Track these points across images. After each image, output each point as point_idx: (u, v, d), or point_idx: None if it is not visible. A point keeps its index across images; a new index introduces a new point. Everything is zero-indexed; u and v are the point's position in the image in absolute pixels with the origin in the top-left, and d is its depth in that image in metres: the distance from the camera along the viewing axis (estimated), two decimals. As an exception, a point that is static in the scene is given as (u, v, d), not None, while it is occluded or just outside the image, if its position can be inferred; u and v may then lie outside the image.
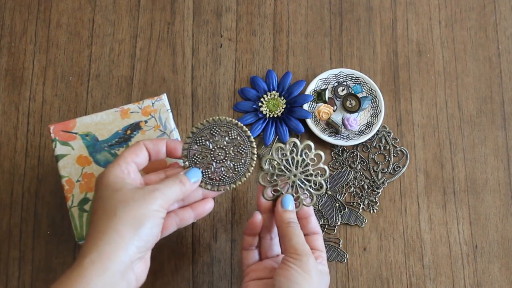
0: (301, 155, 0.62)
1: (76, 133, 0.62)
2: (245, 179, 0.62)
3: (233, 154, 0.62)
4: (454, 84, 0.80)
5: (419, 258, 0.73)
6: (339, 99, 0.77)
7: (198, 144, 0.61)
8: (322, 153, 0.62)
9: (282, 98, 0.77)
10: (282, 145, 0.62)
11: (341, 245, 0.73)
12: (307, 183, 0.61)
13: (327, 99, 0.77)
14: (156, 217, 0.55)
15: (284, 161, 0.61)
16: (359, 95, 0.77)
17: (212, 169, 0.62)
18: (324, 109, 0.76)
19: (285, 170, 0.61)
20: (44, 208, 0.73)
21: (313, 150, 0.62)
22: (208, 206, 0.62)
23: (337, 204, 0.75)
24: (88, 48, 0.79)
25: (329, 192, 0.75)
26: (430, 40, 0.81)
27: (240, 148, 0.62)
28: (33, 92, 0.77)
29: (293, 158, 0.62)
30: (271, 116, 0.77)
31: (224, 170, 0.62)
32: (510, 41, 0.81)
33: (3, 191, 0.73)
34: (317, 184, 0.62)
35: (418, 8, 0.82)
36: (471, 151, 0.77)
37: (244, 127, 0.62)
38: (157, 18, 0.80)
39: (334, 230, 0.74)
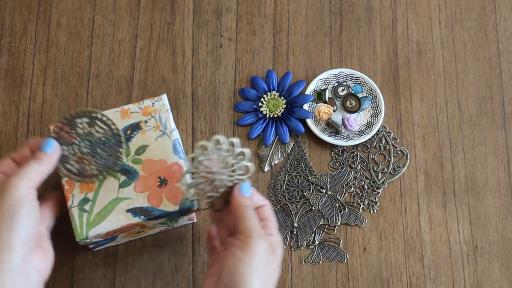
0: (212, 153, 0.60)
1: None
2: (118, 167, 0.62)
3: (101, 142, 0.62)
4: (454, 84, 0.80)
5: (419, 258, 0.73)
6: (339, 99, 0.78)
7: (62, 144, 0.62)
8: (235, 140, 0.60)
9: (282, 98, 0.77)
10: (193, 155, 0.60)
11: (341, 245, 0.73)
12: (233, 174, 0.60)
13: (327, 99, 0.77)
14: (27, 202, 0.54)
15: (200, 169, 0.60)
16: (359, 95, 0.77)
17: (87, 163, 0.62)
18: (324, 109, 0.76)
19: (207, 176, 0.60)
20: (44, 208, 0.73)
21: (222, 140, 0.60)
22: None
23: (337, 204, 0.75)
24: (88, 48, 0.79)
25: (329, 192, 0.75)
26: (430, 40, 0.81)
27: (106, 136, 0.63)
28: (33, 92, 0.77)
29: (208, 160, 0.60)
30: (271, 116, 0.77)
31: (97, 161, 0.62)
32: (510, 41, 0.81)
33: (3, 191, 0.73)
34: (242, 168, 0.60)
35: (418, 8, 0.82)
36: (471, 151, 0.77)
37: (100, 113, 0.63)
38: (157, 18, 0.80)
39: (334, 230, 0.74)
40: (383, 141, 0.77)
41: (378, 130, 0.77)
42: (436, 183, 0.76)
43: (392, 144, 0.77)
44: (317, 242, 0.73)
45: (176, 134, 0.65)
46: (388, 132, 0.77)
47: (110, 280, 0.71)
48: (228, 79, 0.78)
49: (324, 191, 0.75)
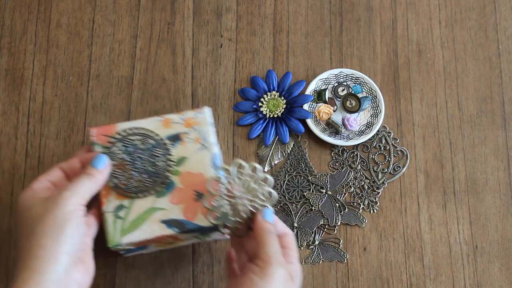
0: (237, 178, 0.61)
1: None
2: (164, 184, 0.62)
3: (152, 160, 0.63)
4: (454, 84, 0.80)
5: (419, 258, 0.73)
6: (339, 99, 0.78)
7: (113, 158, 0.62)
8: (257, 165, 0.60)
9: (282, 98, 0.77)
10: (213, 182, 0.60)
11: (341, 245, 0.73)
12: (255, 199, 0.60)
13: (327, 99, 0.77)
14: (75, 217, 0.55)
15: (223, 193, 0.60)
16: (359, 95, 0.77)
17: (135, 179, 0.62)
18: (324, 109, 0.76)
19: (229, 200, 0.61)
20: (44, 208, 0.73)
21: (245, 165, 0.60)
22: None
23: (337, 204, 0.75)
24: (88, 48, 0.79)
25: (329, 192, 0.75)
26: (430, 40, 0.81)
27: (156, 153, 0.63)
28: (33, 92, 0.77)
29: (230, 185, 0.60)
30: (271, 116, 0.77)
31: (145, 177, 0.62)
32: (510, 41, 0.81)
33: (3, 191, 0.73)
34: (265, 195, 0.61)
35: (418, 8, 0.82)
36: (471, 151, 0.77)
37: (155, 133, 0.63)
38: (157, 18, 0.80)
39: (334, 230, 0.74)
40: (383, 141, 0.77)
41: (378, 130, 0.77)
42: (436, 183, 0.76)
43: (392, 144, 0.77)
44: (317, 242, 0.73)
45: (216, 149, 0.64)
46: (388, 132, 0.77)
47: (110, 280, 0.71)
48: (228, 79, 0.78)
49: (324, 191, 0.75)
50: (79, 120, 0.76)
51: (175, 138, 0.64)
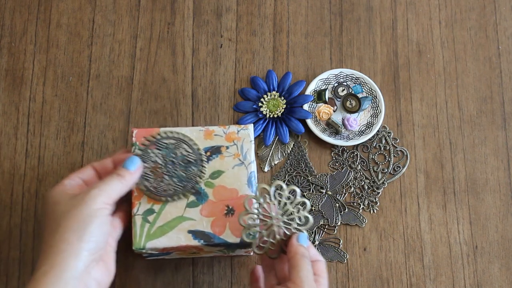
0: (274, 198, 0.61)
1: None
2: (194, 190, 0.63)
3: (183, 165, 0.63)
4: (454, 84, 0.80)
5: (419, 258, 0.73)
6: (339, 99, 0.78)
7: (146, 161, 0.63)
8: (297, 188, 0.61)
9: (282, 98, 0.77)
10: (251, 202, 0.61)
11: (341, 245, 0.73)
12: (291, 222, 0.61)
13: (327, 99, 0.77)
14: (100, 215, 0.55)
15: (259, 212, 0.61)
16: (359, 95, 0.77)
17: (165, 182, 0.62)
18: (324, 109, 0.76)
19: (265, 220, 0.61)
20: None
21: (284, 188, 0.61)
22: None
23: (337, 204, 0.75)
24: (88, 48, 0.79)
25: (329, 192, 0.75)
26: (430, 40, 0.81)
27: (189, 159, 0.63)
28: (33, 92, 0.77)
29: (268, 205, 0.61)
30: (271, 116, 0.77)
31: (175, 181, 0.62)
32: (510, 41, 0.81)
33: (3, 191, 0.73)
34: (302, 219, 0.61)
35: (418, 8, 0.82)
36: (471, 151, 0.77)
37: (188, 137, 0.63)
38: (157, 18, 0.80)
39: (334, 230, 0.74)
40: (383, 141, 0.77)
41: (378, 130, 0.77)
42: (436, 183, 0.76)
43: (392, 144, 0.77)
44: (317, 242, 0.73)
45: (253, 167, 0.65)
46: (388, 132, 0.77)
47: (110, 280, 0.71)
48: (228, 79, 0.78)
49: (324, 191, 0.75)
50: (79, 120, 0.76)
51: (215, 151, 0.65)
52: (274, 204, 0.61)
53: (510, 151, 0.78)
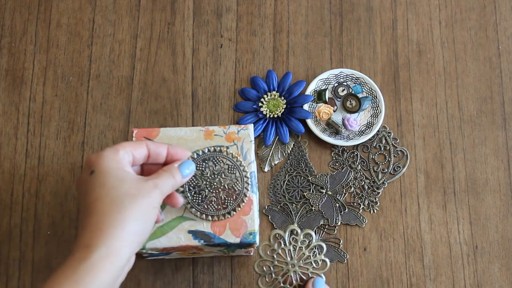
0: (289, 244, 0.61)
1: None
2: (229, 216, 0.62)
3: (227, 188, 0.63)
4: (454, 84, 0.80)
5: (419, 258, 0.73)
6: (339, 99, 0.78)
7: (198, 168, 0.62)
8: (311, 232, 0.61)
9: (282, 98, 0.77)
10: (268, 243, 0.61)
11: (341, 245, 0.73)
12: (308, 267, 0.61)
13: (327, 99, 0.77)
14: (154, 214, 0.54)
15: (275, 258, 0.61)
16: (359, 95, 0.77)
17: (203, 195, 0.62)
18: (324, 109, 0.76)
19: (280, 266, 0.61)
20: (44, 208, 0.73)
21: (300, 234, 0.61)
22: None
23: (337, 204, 0.75)
24: (88, 48, 0.79)
25: (329, 192, 0.75)
26: (430, 40, 0.81)
27: (235, 184, 0.63)
28: (33, 92, 0.77)
29: (283, 251, 0.61)
30: (271, 116, 0.77)
31: (214, 199, 0.62)
32: (510, 41, 0.81)
33: (3, 191, 0.73)
34: (318, 263, 0.61)
35: (418, 8, 0.82)
36: (471, 151, 0.77)
37: (246, 168, 0.63)
38: (157, 18, 0.80)
39: (334, 230, 0.74)
40: (383, 141, 0.77)
41: (378, 130, 0.77)
42: (436, 183, 0.76)
43: (392, 144, 0.77)
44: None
45: (253, 167, 0.64)
46: (388, 132, 0.77)
47: (110, 280, 0.71)
48: (228, 79, 0.78)
49: (324, 191, 0.75)
50: (79, 120, 0.76)
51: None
52: (289, 250, 0.61)
53: (510, 151, 0.78)
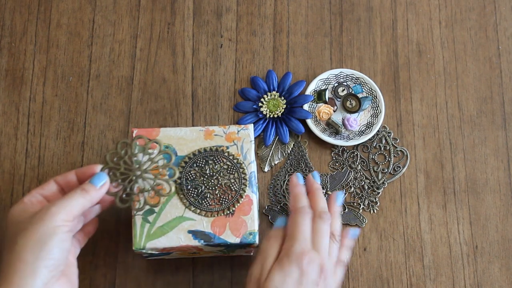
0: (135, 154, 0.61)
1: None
2: (223, 214, 0.63)
3: (223, 186, 0.63)
4: (454, 84, 0.80)
5: (419, 259, 0.73)
6: (339, 99, 0.78)
7: (197, 165, 0.63)
8: (159, 140, 0.61)
9: (282, 98, 0.77)
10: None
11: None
12: (156, 174, 0.60)
13: (327, 99, 0.77)
14: (60, 233, 0.54)
15: (122, 165, 0.60)
16: (359, 95, 0.77)
17: (199, 190, 0.63)
18: (324, 109, 0.76)
19: (127, 173, 0.61)
20: (44, 208, 0.73)
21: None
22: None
23: (337, 204, 0.74)
24: (88, 48, 0.79)
25: (329, 193, 0.75)
26: (430, 40, 0.81)
27: (232, 184, 0.63)
28: (33, 92, 0.77)
29: (128, 159, 0.60)
30: (271, 116, 0.77)
31: (209, 195, 0.62)
32: (510, 41, 0.81)
33: (3, 191, 0.73)
34: (167, 171, 0.61)
35: (418, 8, 0.82)
36: (471, 151, 0.77)
37: (245, 169, 0.64)
38: (157, 19, 0.80)
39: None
40: (383, 141, 0.77)
41: (378, 130, 0.77)
42: (436, 183, 0.76)
43: (392, 144, 0.77)
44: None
45: (253, 167, 0.65)
46: (388, 132, 0.77)
47: (110, 280, 0.71)
48: (228, 79, 0.78)
49: (324, 191, 0.75)
50: (79, 120, 0.76)
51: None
52: (135, 158, 0.60)
53: (510, 151, 0.78)
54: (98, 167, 0.61)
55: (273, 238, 0.61)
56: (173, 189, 0.62)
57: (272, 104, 0.77)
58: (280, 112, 0.77)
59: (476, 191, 0.76)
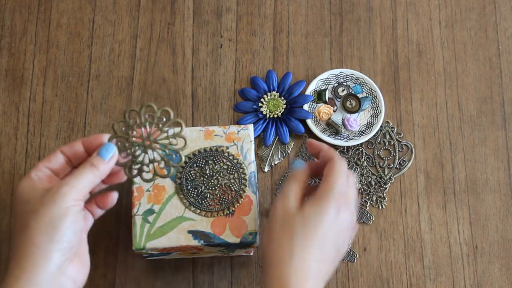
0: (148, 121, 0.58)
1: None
2: (222, 214, 0.63)
3: (223, 186, 0.63)
4: (454, 84, 0.80)
5: (419, 259, 0.73)
6: (339, 100, 0.78)
7: (197, 165, 0.63)
8: (169, 109, 0.58)
9: (282, 98, 0.77)
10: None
11: (350, 245, 0.73)
12: (165, 144, 0.58)
13: (327, 100, 0.77)
14: (71, 213, 0.53)
15: (131, 135, 0.58)
16: (359, 96, 0.77)
17: (199, 190, 0.63)
18: (324, 110, 0.76)
19: (136, 143, 0.58)
20: (44, 208, 0.72)
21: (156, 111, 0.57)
22: (111, 199, 0.60)
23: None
24: (88, 48, 0.79)
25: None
26: (430, 41, 0.81)
27: (232, 184, 0.64)
28: (33, 92, 0.77)
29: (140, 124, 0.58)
30: (271, 116, 0.77)
31: (209, 195, 0.62)
32: (510, 41, 0.81)
33: (3, 191, 0.73)
34: (177, 141, 0.58)
35: (418, 9, 0.82)
36: (471, 152, 0.77)
37: (245, 169, 0.64)
38: (157, 19, 0.80)
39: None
40: (387, 136, 0.77)
41: (381, 126, 0.77)
42: (436, 184, 0.76)
43: (396, 139, 0.77)
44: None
45: (253, 167, 0.65)
46: (392, 127, 0.77)
47: (110, 280, 0.71)
48: (228, 80, 0.78)
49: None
50: (79, 120, 0.76)
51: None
52: (144, 127, 0.57)
53: (510, 151, 0.78)
54: (106, 137, 0.58)
55: (297, 177, 0.61)
56: (183, 159, 0.60)
57: (272, 104, 0.77)
58: (280, 112, 0.77)
59: (476, 191, 0.76)
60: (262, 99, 0.77)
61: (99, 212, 0.61)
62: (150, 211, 0.63)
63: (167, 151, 0.58)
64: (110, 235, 0.72)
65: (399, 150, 0.77)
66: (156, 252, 0.64)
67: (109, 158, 0.57)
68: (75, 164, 0.59)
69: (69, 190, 0.53)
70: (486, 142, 0.78)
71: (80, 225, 0.54)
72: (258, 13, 0.81)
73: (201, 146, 0.65)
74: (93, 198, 0.60)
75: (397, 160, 0.76)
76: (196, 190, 0.63)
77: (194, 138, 0.65)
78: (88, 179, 0.55)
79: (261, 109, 0.77)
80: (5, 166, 0.74)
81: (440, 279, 0.73)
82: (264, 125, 0.76)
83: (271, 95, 0.77)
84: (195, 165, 0.64)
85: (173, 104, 0.77)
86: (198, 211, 0.63)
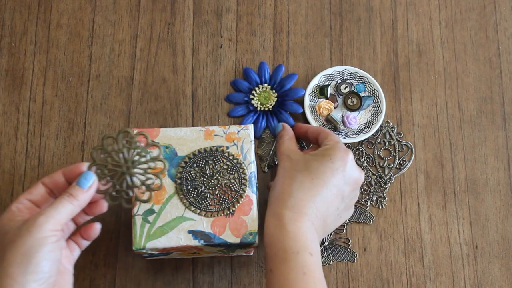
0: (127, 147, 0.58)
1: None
2: (223, 214, 0.63)
3: (224, 186, 0.63)
4: (454, 84, 0.80)
5: (419, 259, 0.73)
6: (341, 97, 0.77)
7: (197, 165, 0.63)
8: (146, 133, 0.58)
9: (274, 91, 0.77)
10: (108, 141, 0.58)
11: (350, 245, 0.73)
12: (144, 169, 0.58)
13: (328, 95, 0.77)
14: (48, 244, 0.52)
15: (109, 162, 0.58)
16: (361, 94, 0.77)
17: (199, 191, 0.63)
18: (324, 105, 0.76)
19: (115, 169, 0.58)
20: (44, 208, 0.72)
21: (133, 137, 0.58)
22: (94, 230, 0.60)
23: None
24: (88, 48, 0.79)
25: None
26: (430, 41, 0.81)
27: (232, 184, 0.64)
28: (33, 92, 0.77)
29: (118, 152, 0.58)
30: (262, 109, 0.77)
31: (209, 196, 0.62)
32: (510, 41, 0.81)
33: (3, 192, 0.73)
34: (156, 165, 0.58)
35: (418, 9, 0.82)
36: (471, 152, 0.77)
37: (245, 169, 0.64)
38: (157, 19, 0.80)
39: (343, 230, 0.74)
40: (387, 136, 0.77)
41: (381, 126, 0.77)
42: (436, 184, 0.76)
43: (396, 139, 0.77)
44: (326, 243, 0.73)
45: (253, 167, 0.65)
46: (392, 127, 0.77)
47: (110, 280, 0.71)
48: (228, 80, 0.78)
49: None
50: (79, 120, 0.76)
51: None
52: (122, 153, 0.57)
53: (510, 151, 0.78)
54: (85, 166, 0.58)
55: (287, 132, 0.70)
56: (162, 183, 0.59)
57: (263, 97, 0.77)
58: (271, 105, 0.76)
59: (476, 191, 0.76)
60: (253, 91, 0.77)
61: (85, 244, 0.62)
62: (150, 211, 0.63)
63: (147, 175, 0.58)
64: (110, 235, 0.72)
65: (399, 150, 0.77)
66: (156, 252, 0.64)
67: (88, 187, 0.57)
68: (56, 195, 0.59)
69: (46, 220, 0.53)
70: (486, 142, 0.78)
71: (58, 255, 0.54)
72: (258, 13, 0.81)
73: (201, 146, 0.65)
74: (78, 230, 0.61)
75: (397, 160, 0.76)
76: (196, 190, 0.63)
77: (194, 138, 0.65)
78: (66, 209, 0.55)
79: (252, 101, 0.76)
80: (5, 166, 0.74)
81: (440, 279, 0.73)
82: (254, 117, 0.76)
83: (262, 87, 0.77)
84: (195, 165, 0.64)
85: (173, 104, 0.77)
86: (198, 211, 0.63)
